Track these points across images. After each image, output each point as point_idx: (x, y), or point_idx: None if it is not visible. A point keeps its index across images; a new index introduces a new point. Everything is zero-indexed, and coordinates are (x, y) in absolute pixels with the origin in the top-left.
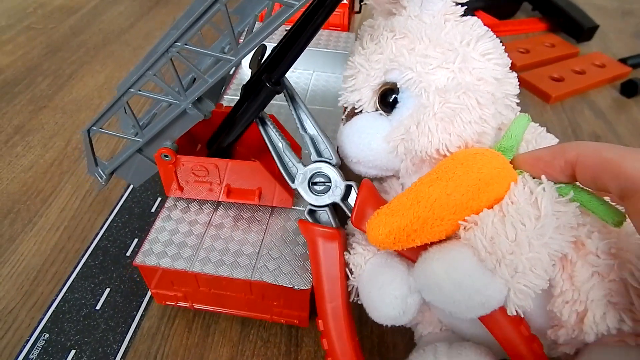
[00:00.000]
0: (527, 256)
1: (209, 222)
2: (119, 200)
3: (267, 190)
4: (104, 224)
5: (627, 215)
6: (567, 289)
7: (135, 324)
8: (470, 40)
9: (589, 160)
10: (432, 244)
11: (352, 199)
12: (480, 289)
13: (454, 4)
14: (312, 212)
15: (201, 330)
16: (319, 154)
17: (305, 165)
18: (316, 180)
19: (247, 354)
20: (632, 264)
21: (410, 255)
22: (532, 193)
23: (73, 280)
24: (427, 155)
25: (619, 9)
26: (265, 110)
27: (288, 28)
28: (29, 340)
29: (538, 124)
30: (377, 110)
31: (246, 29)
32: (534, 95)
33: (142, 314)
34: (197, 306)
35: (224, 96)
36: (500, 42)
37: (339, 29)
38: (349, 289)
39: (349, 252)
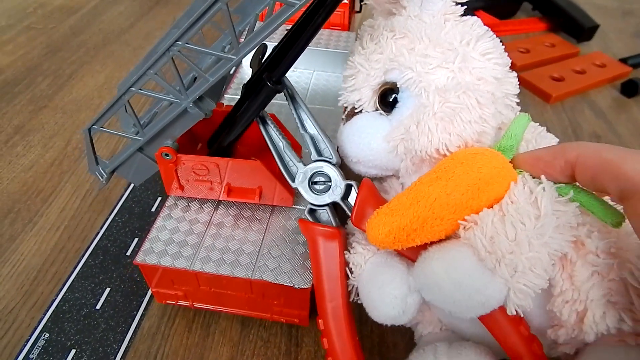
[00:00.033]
0: (527, 255)
1: (210, 221)
2: (119, 199)
3: (268, 189)
4: (104, 223)
5: (626, 217)
6: (567, 288)
7: (136, 323)
8: (470, 40)
9: (589, 160)
10: (431, 243)
11: (352, 198)
12: (480, 289)
13: (454, 3)
14: (312, 212)
15: (201, 330)
16: (319, 153)
17: (305, 165)
18: (316, 179)
19: (248, 353)
20: (632, 264)
21: (410, 255)
22: (532, 192)
23: (73, 280)
24: (427, 155)
25: (619, 9)
26: (265, 109)
27: (289, 27)
28: (29, 339)
29: (538, 124)
30: (377, 110)
31: (247, 28)
32: (534, 95)
33: (142, 314)
34: (197, 305)
35: (225, 95)
36: (500, 41)
37: (340, 28)
38: (349, 289)
39: (349, 252)
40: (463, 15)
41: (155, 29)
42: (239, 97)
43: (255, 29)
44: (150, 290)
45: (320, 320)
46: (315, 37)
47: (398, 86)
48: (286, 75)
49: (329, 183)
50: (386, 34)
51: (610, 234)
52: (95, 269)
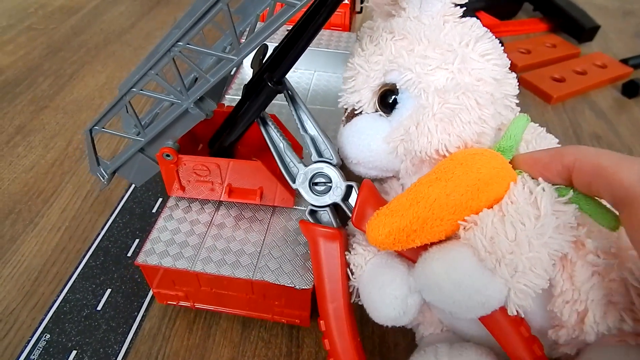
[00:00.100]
0: (527, 256)
1: (211, 222)
2: (120, 200)
3: (269, 190)
4: (105, 224)
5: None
6: (567, 288)
7: (137, 324)
8: (470, 41)
9: (586, 166)
10: (432, 244)
11: (352, 199)
12: (480, 289)
13: (453, 5)
14: (313, 213)
15: (202, 331)
16: (319, 154)
17: (306, 166)
18: (317, 180)
19: (248, 354)
20: (632, 263)
21: (411, 256)
22: (532, 193)
23: (74, 281)
24: (427, 156)
25: (620, 9)
26: (266, 110)
27: (290, 28)
28: (30, 340)
29: (538, 124)
30: (376, 111)
31: (248, 29)
32: (535, 95)
33: (143, 315)
34: (198, 306)
35: (226, 96)
36: (500, 42)
37: (340, 29)
38: (350, 290)
39: (350, 253)
40: (463, 16)
41: (156, 29)
42: (239, 97)
43: (256, 29)
44: (151, 291)
45: (321, 321)
46: (316, 38)
47: (397, 87)
48: (287, 76)
49: (330, 184)
50: (385, 36)
51: (611, 233)
52: (96, 270)
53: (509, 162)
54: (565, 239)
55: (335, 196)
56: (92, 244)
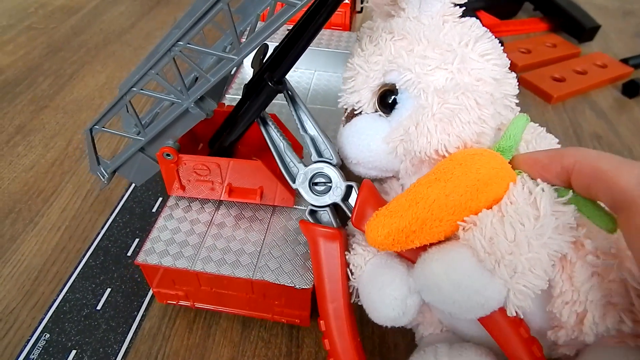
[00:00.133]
0: (526, 256)
1: (211, 221)
2: (120, 200)
3: (269, 190)
4: (105, 223)
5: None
6: (567, 289)
7: (136, 324)
8: (469, 41)
9: (585, 169)
10: (431, 245)
11: (352, 200)
12: (479, 290)
13: (452, 5)
14: (313, 213)
15: (202, 331)
16: (319, 154)
17: (306, 166)
18: (317, 180)
19: (248, 354)
20: (632, 264)
21: (410, 256)
22: (531, 193)
23: (74, 280)
24: (426, 156)
25: (620, 9)
26: (266, 110)
27: (290, 27)
28: (29, 340)
29: (538, 124)
30: (376, 111)
31: (248, 28)
32: (535, 95)
33: (143, 314)
34: (198, 305)
35: (226, 95)
36: (500, 42)
37: (341, 28)
38: (350, 290)
39: (349, 253)
40: (463, 15)
41: (155, 29)
42: (240, 97)
43: (256, 29)
44: (151, 290)
45: (321, 321)
46: (316, 37)
47: (397, 87)
48: (287, 75)
49: (330, 184)
50: (385, 36)
51: (610, 234)
52: (96, 270)
53: (509, 162)
54: (565, 239)
55: (335, 196)
56: (92, 244)
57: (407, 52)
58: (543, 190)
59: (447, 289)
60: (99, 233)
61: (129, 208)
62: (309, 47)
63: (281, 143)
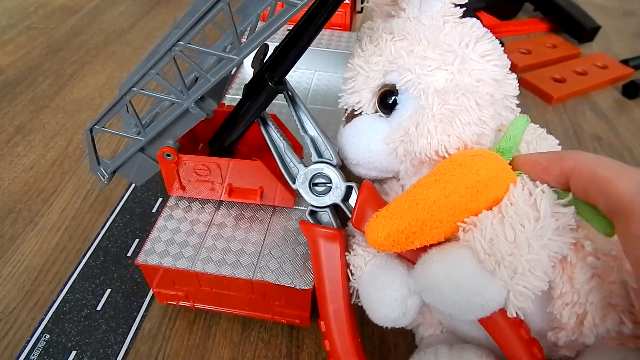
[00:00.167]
0: (526, 257)
1: (211, 222)
2: (120, 200)
3: (269, 190)
4: (105, 224)
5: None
6: (567, 291)
7: (136, 324)
8: (469, 42)
9: (584, 173)
10: (431, 246)
11: (352, 200)
12: (479, 291)
13: (453, 5)
14: (313, 213)
15: (202, 331)
16: (319, 154)
17: (306, 166)
18: (317, 181)
19: (248, 355)
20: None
21: (410, 257)
22: (531, 194)
23: (74, 281)
24: (426, 157)
25: (620, 9)
26: (266, 110)
27: (290, 27)
28: (29, 340)
29: (539, 125)
30: (376, 112)
31: (248, 28)
32: (535, 96)
33: (143, 315)
34: (198, 306)
35: (226, 95)
36: (500, 43)
37: (341, 28)
38: (350, 291)
39: (349, 254)
40: (463, 16)
41: (156, 29)
42: (240, 97)
43: (256, 29)
44: (151, 290)
45: (321, 322)
46: (317, 38)
47: (397, 88)
48: (287, 76)
49: (330, 185)
50: (385, 36)
51: None
52: (96, 270)
53: (509, 163)
54: (565, 240)
55: (335, 197)
56: (92, 244)
57: (408, 53)
58: (543, 192)
59: (447, 290)
60: (99, 233)
61: (129, 208)
62: (309, 47)
63: (281, 143)
